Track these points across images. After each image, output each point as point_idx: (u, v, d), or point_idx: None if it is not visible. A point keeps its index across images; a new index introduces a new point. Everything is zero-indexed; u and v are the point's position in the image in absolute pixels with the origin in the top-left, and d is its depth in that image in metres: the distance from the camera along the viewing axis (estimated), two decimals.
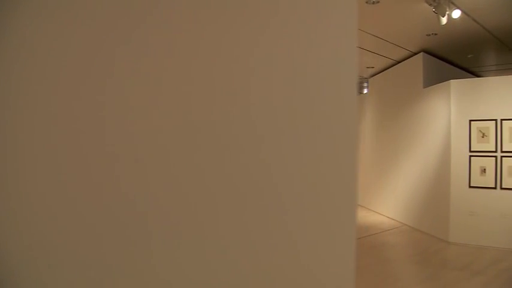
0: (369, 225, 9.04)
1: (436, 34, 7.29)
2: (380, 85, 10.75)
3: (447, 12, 5.62)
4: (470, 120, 7.10)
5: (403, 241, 7.65)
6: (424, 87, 8.24)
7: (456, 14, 5.81)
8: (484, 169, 6.99)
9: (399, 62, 9.39)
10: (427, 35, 7.33)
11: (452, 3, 5.84)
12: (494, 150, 6.89)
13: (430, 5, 5.76)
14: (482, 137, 7.01)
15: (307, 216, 1.04)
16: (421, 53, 8.37)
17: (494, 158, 6.90)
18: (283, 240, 1.00)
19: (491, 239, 6.86)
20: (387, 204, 10.13)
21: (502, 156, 6.83)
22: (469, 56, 8.70)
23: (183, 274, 0.85)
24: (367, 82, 11.51)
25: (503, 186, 6.82)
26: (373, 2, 5.93)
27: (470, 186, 7.09)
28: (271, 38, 0.96)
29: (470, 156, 7.09)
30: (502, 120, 6.83)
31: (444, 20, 5.56)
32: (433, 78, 8.32)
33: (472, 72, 9.90)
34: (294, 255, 1.03)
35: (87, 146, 0.73)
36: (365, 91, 12.05)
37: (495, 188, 6.88)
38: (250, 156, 0.93)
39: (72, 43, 0.73)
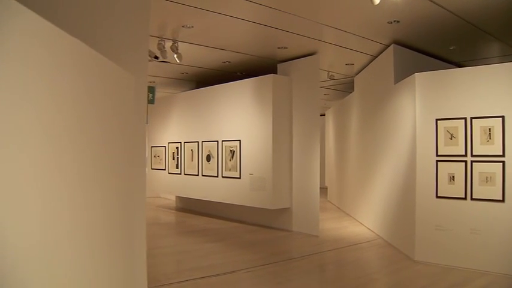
0: (342, 237, 8.12)
1: (398, 21, 6.35)
2: (362, 83, 9.80)
3: None
4: (437, 119, 6.10)
5: (364, 258, 6.70)
6: (396, 82, 7.26)
7: None
8: (453, 176, 5.97)
9: (376, 57, 8.43)
10: (388, 22, 6.40)
11: None
12: (463, 154, 5.87)
13: None
14: (451, 138, 6.00)
15: None
16: (392, 45, 7.40)
17: (463, 163, 5.87)
18: None
19: (459, 259, 5.83)
20: (367, 213, 9.15)
21: (472, 161, 5.80)
22: (452, 48, 7.67)
23: None
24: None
25: (473, 197, 5.79)
26: None
27: (437, 196, 6.08)
28: None
29: (438, 161, 6.09)
30: (472, 118, 5.80)
31: (377, 0, 4.66)
32: (410, 73, 7.32)
33: (464, 66, 8.81)
34: None
35: None
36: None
37: (465, 198, 5.85)
38: None
39: None
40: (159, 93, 12.96)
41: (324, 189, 14.81)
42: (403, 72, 7.17)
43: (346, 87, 11.60)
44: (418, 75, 6.30)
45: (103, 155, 3.27)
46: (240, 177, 9.18)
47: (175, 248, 7.77)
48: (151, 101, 8.40)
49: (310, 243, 7.59)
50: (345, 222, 9.86)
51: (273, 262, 6.26)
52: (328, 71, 9.96)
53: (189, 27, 6.84)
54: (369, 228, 8.79)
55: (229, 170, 9.49)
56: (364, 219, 9.37)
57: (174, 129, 11.44)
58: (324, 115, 15.42)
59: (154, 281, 5.20)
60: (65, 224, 2.59)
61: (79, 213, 2.79)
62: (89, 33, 4.01)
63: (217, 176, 9.82)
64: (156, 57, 6.59)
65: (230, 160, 9.48)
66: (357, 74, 10.12)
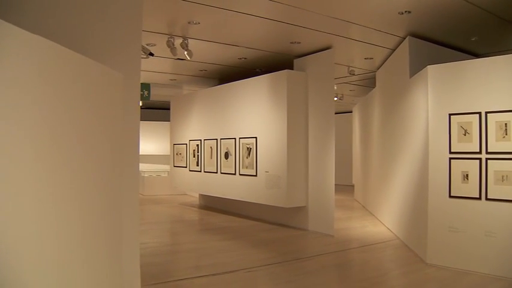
0: (358, 237, 7.85)
1: (409, 12, 6.03)
2: (382, 78, 9.46)
3: None
4: (450, 114, 5.75)
5: (374, 260, 6.43)
6: (411, 76, 6.93)
7: None
8: (467, 175, 5.61)
9: (394, 50, 8.09)
10: (399, 13, 6.09)
11: None
12: (478, 151, 5.51)
13: None
14: (464, 134, 5.64)
15: None
16: (407, 37, 7.06)
17: (478, 161, 5.52)
18: None
19: (472, 262, 5.48)
20: (387, 213, 8.83)
21: (487, 159, 5.44)
22: (473, 39, 7.25)
23: None
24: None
25: (488, 197, 5.42)
26: None
27: (450, 196, 5.74)
28: None
29: (451, 158, 5.75)
30: (486, 113, 5.43)
31: None
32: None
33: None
34: None
35: None
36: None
37: (479, 198, 5.49)
38: None
39: None
40: (184, 91, 13.02)
41: (352, 187, 14.51)
42: (420, 66, 6.80)
43: (369, 82, 11.24)
44: (430, 68, 5.97)
45: (91, 154, 3.24)
46: (256, 175, 9.05)
47: (187, 245, 7.75)
48: (146, 98, 8.40)
49: (323, 243, 7.37)
50: (365, 221, 9.55)
51: (280, 262, 6.10)
52: (348, 66, 9.68)
53: (195, 24, 6.75)
54: (388, 229, 8.47)
55: (246, 167, 9.37)
56: (384, 219, 9.05)
57: (195, 126, 11.43)
58: (352, 112, 15.09)
59: (157, 277, 5.16)
60: (52, 223, 2.63)
61: (68, 212, 2.80)
62: (78, 32, 4.00)
63: (234, 174, 9.73)
64: (151, 54, 6.55)
65: (247, 157, 9.37)
66: (378, 69, 9.77)
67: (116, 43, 4.34)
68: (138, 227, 4.41)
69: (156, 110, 17.15)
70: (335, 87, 12.32)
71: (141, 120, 15.27)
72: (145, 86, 8.36)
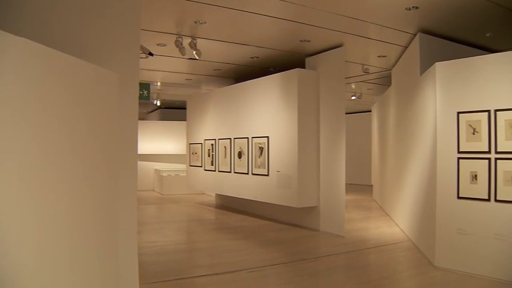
0: (369, 238, 7.71)
1: (417, 7, 5.87)
2: (396, 76, 9.27)
3: None
4: (458, 113, 5.57)
5: (381, 261, 6.29)
6: (422, 73, 6.75)
7: None
8: (475, 175, 5.42)
9: (407, 47, 7.90)
10: (406, 9, 5.94)
11: None
12: (487, 150, 5.31)
13: None
14: (473, 133, 5.45)
15: None
16: (418, 34, 6.88)
17: (487, 161, 5.32)
18: None
19: (481, 266, 5.29)
20: (400, 213, 8.64)
21: (496, 159, 5.23)
22: (488, 35, 7.01)
23: None
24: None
25: (498, 198, 5.21)
26: None
27: (458, 197, 5.55)
28: None
29: (459, 158, 5.56)
30: (496, 111, 5.22)
31: None
32: None
33: None
34: None
35: None
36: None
37: (488, 199, 5.29)
38: None
39: None
40: (202, 90, 13.04)
41: (371, 187, 14.30)
42: (432, 63, 6.62)
43: (386, 80, 11.03)
44: (438, 65, 5.79)
45: (81, 153, 3.27)
46: (268, 175, 8.99)
47: (195, 244, 7.77)
48: (146, 98, 8.42)
49: (332, 244, 7.26)
50: (379, 222, 9.37)
51: (285, 262, 6.04)
52: (363, 64, 9.50)
53: (202, 23, 6.74)
54: (402, 230, 8.28)
55: (258, 167, 9.32)
56: (398, 220, 8.86)
57: (210, 126, 11.44)
58: (371, 111, 14.86)
59: (158, 276, 5.17)
60: (53, 223, 2.73)
61: (67, 212, 2.86)
62: (77, 33, 4.03)
63: (247, 173, 9.69)
64: (151, 54, 6.55)
65: (259, 157, 9.32)
66: (393, 67, 9.57)
67: (114, 43, 4.34)
68: (136, 226, 4.39)
69: (176, 109, 17.27)
70: (353, 86, 12.22)
71: (160, 119, 15.60)
72: (145, 86, 8.41)
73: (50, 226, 2.74)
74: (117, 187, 4.01)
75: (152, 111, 20.06)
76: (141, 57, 6.93)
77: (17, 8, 3.66)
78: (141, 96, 7.87)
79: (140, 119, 20.15)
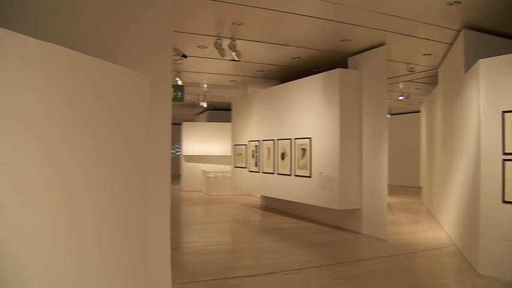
0: (412, 242, 7.44)
1: (459, 2, 5.62)
2: (442, 74, 8.91)
3: None
4: (504, 112, 5.27)
5: (421, 267, 6.07)
6: (466, 71, 6.46)
7: None
8: None
9: (452, 45, 7.59)
10: (448, 4, 5.70)
11: None
12: None
13: None
14: None
15: None
16: (463, 30, 6.59)
17: None
18: None
19: None
20: (447, 217, 8.29)
21: None
22: None
23: None
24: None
25: None
26: None
27: (504, 201, 5.26)
28: None
29: (504, 160, 5.26)
30: None
31: None
32: None
33: None
34: None
35: None
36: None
37: None
38: None
39: None
40: (246, 91, 13.11)
41: (420, 190, 13.85)
42: (477, 60, 6.33)
43: (433, 80, 10.64)
44: (482, 62, 5.52)
45: (110, 155, 3.37)
46: (310, 176, 8.90)
47: (234, 246, 7.82)
48: (180, 99, 8.49)
49: (372, 248, 7.08)
50: (425, 226, 9.04)
51: (321, 266, 5.96)
52: (408, 63, 9.22)
53: (239, 24, 6.78)
54: (448, 234, 7.95)
55: (301, 168, 9.25)
56: (445, 224, 8.52)
57: (254, 127, 11.48)
58: (420, 111, 14.41)
59: (192, 276, 5.25)
60: (83, 225, 2.86)
61: (84, 215, 2.97)
62: (111, 36, 4.16)
63: (290, 175, 9.65)
64: (185, 56, 6.63)
65: (302, 158, 9.25)
66: (440, 65, 9.22)
67: (147, 46, 4.44)
68: (168, 227, 4.46)
69: (223, 111, 17.46)
70: (400, 86, 11.89)
71: (208, 121, 15.80)
72: (179, 87, 8.51)
73: (80, 228, 2.83)
74: (149, 189, 4.09)
75: (200, 113, 20.40)
76: (175, 60, 7.10)
77: (51, 12, 3.80)
78: (174, 98, 8.00)
79: (189, 120, 20.62)
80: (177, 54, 6.19)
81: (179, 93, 8.26)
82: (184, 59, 6.78)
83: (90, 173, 3.00)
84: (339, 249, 7.12)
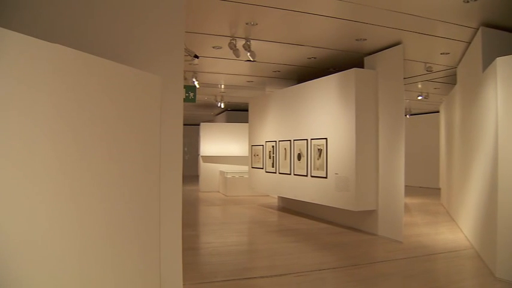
0: (428, 245, 7.30)
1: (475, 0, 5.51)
2: (461, 73, 8.75)
3: None
4: None
5: (437, 270, 5.97)
6: (484, 70, 6.32)
7: None
8: None
9: (470, 43, 7.44)
10: (464, 1, 5.59)
11: None
12: None
13: None
14: None
15: None
16: (480, 28, 6.45)
17: None
18: None
19: None
20: (465, 219, 8.13)
21: None
22: None
23: None
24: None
25: None
26: None
27: None
28: None
29: None
30: None
31: None
32: None
33: None
34: None
35: None
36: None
37: None
38: None
39: None
40: (264, 92, 13.10)
41: (439, 191, 13.64)
42: (495, 58, 6.20)
43: (452, 79, 10.46)
44: (500, 60, 5.39)
45: (129, 157, 3.41)
46: (326, 177, 8.84)
47: (248, 246, 7.80)
48: (192, 100, 8.49)
49: (388, 250, 6.99)
50: (443, 228, 8.89)
51: (335, 267, 5.91)
52: (425, 63, 9.09)
53: (253, 25, 6.77)
54: (466, 236, 7.80)
55: (317, 169, 9.20)
56: (463, 226, 8.35)
57: (270, 127, 11.46)
58: (439, 111, 14.19)
59: (204, 276, 5.26)
60: (93, 225, 2.91)
61: (106, 214, 3.00)
62: (121, 37, 4.20)
63: (306, 175, 9.60)
64: (196, 56, 6.64)
65: (318, 159, 9.19)
66: (458, 64, 9.06)
67: (158, 46, 4.46)
68: (180, 227, 4.47)
69: (241, 111, 17.48)
70: (419, 86, 11.73)
71: (226, 121, 15.81)
72: (191, 88, 8.52)
73: (91, 228, 2.85)
74: (161, 189, 4.10)
75: (219, 114, 20.46)
76: (190, 61, 7.12)
77: (62, 14, 3.85)
78: (186, 99, 8.02)
79: (207, 121, 20.71)
80: (189, 55, 6.21)
81: (191, 94, 8.29)
82: (196, 59, 6.79)
83: (101, 174, 3.03)
84: (354, 251, 7.04)
